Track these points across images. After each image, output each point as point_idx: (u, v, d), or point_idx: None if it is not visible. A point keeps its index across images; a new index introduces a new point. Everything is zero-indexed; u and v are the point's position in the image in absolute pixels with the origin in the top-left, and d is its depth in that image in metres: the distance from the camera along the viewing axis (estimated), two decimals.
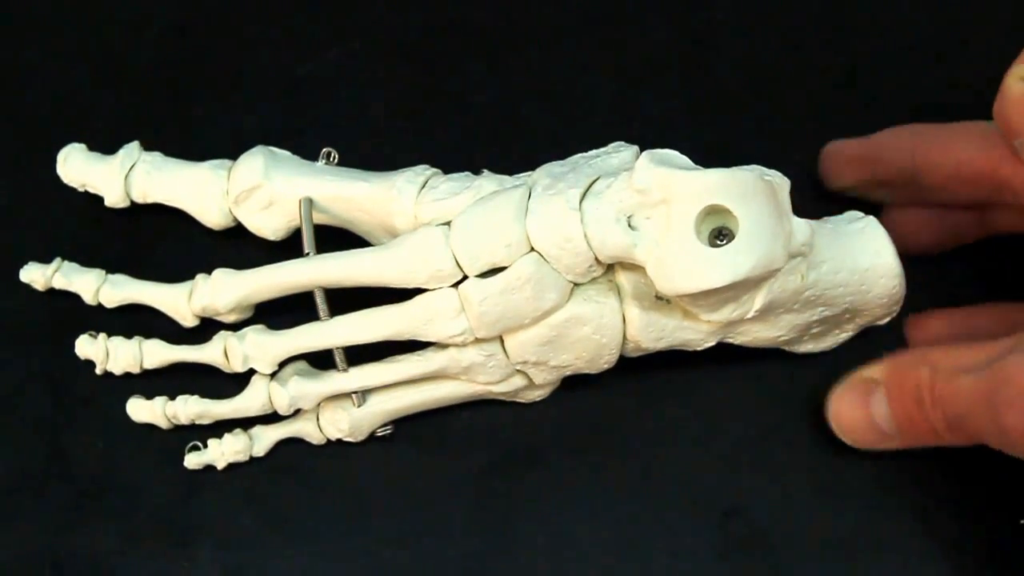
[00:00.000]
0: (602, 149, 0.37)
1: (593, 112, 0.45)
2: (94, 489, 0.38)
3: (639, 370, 0.39)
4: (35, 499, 0.38)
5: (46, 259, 0.40)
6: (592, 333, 0.35)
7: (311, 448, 0.38)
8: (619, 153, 0.36)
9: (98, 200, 0.41)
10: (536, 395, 0.38)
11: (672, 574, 0.37)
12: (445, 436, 0.39)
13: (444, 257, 0.34)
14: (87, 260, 0.40)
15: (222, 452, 0.38)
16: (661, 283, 0.33)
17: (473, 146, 0.44)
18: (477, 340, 0.36)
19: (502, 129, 0.44)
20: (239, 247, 0.41)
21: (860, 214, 0.37)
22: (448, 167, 0.39)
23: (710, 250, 0.32)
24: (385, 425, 0.38)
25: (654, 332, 0.36)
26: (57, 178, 0.41)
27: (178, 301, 0.38)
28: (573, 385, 0.39)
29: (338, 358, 0.37)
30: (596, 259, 0.34)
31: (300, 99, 0.45)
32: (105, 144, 0.42)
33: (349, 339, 0.36)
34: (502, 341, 0.36)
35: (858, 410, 0.35)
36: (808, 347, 0.39)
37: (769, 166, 0.36)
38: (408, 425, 0.39)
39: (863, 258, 0.35)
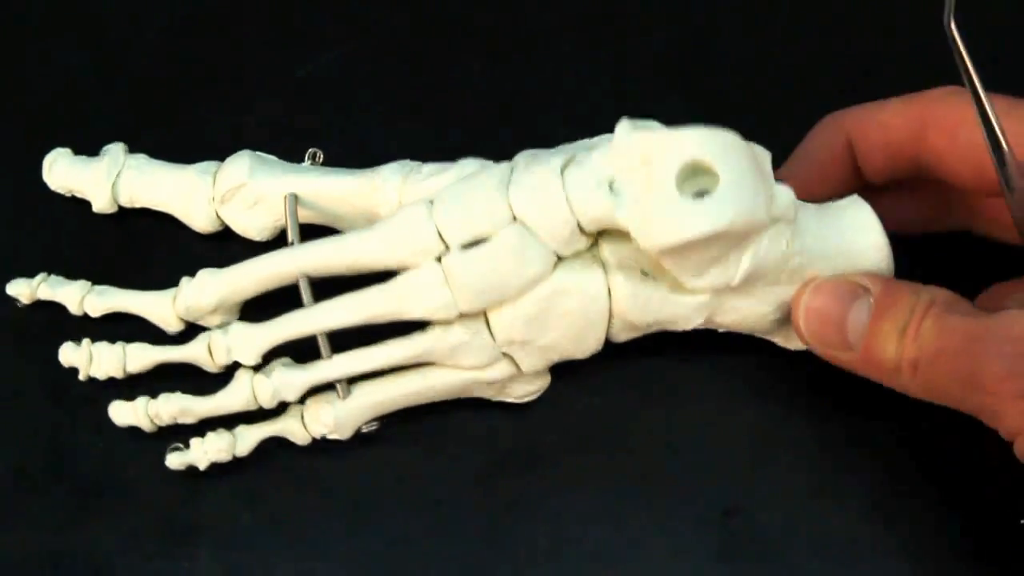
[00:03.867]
0: (585, 140, 0.37)
1: (593, 112, 0.45)
2: (94, 489, 0.38)
3: (639, 370, 0.39)
4: (35, 499, 0.38)
5: (44, 260, 0.40)
6: (577, 306, 0.35)
7: (311, 448, 0.38)
8: (601, 139, 0.37)
9: None
10: (526, 391, 0.38)
11: (672, 574, 0.37)
12: (445, 436, 0.39)
13: (427, 230, 0.35)
14: (84, 261, 0.40)
15: (204, 451, 0.37)
16: (644, 239, 0.33)
17: (473, 146, 0.44)
18: (461, 317, 0.35)
19: (502, 129, 0.44)
20: (232, 250, 0.41)
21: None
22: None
23: (692, 202, 0.32)
24: (371, 421, 0.38)
25: (640, 304, 0.35)
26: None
27: (162, 306, 0.38)
28: (573, 385, 0.39)
29: (323, 346, 0.36)
30: (579, 226, 0.34)
31: (300, 99, 0.45)
32: (105, 143, 0.42)
33: (333, 323, 0.36)
34: (487, 322, 0.36)
35: (835, 307, 0.33)
36: (799, 343, 0.38)
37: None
38: (408, 425, 0.39)
39: (849, 233, 0.35)
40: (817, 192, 0.36)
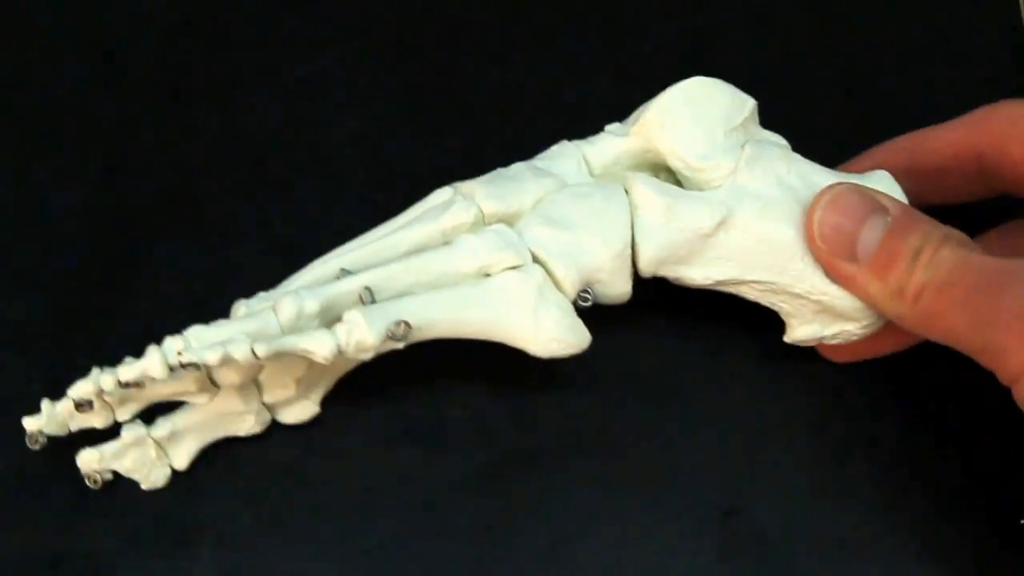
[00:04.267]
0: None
1: (593, 112, 0.45)
2: (94, 489, 0.38)
3: (639, 370, 0.39)
4: (35, 499, 0.38)
5: (45, 259, 0.40)
6: (597, 200, 0.36)
7: (311, 448, 0.38)
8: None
9: (97, 200, 0.41)
10: (562, 324, 0.35)
11: (672, 574, 0.37)
12: (445, 436, 0.39)
13: (446, 191, 0.37)
14: (86, 260, 0.40)
15: (221, 336, 0.34)
16: (639, 119, 0.37)
17: (473, 146, 0.44)
18: (485, 221, 0.36)
19: (502, 129, 0.44)
20: (235, 257, 0.41)
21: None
22: (448, 167, 0.39)
23: None
24: (400, 323, 0.34)
25: (658, 189, 0.36)
26: (56, 178, 0.41)
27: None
28: (572, 384, 0.39)
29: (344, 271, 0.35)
30: (585, 160, 0.37)
31: (300, 99, 0.45)
32: (105, 143, 0.42)
33: (375, 273, 0.35)
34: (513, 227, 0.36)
35: (849, 220, 0.33)
36: (812, 328, 0.37)
37: None
38: (408, 425, 0.39)
39: (863, 180, 0.36)
40: None
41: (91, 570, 0.37)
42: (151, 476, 0.38)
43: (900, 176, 0.36)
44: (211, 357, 0.33)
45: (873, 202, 0.33)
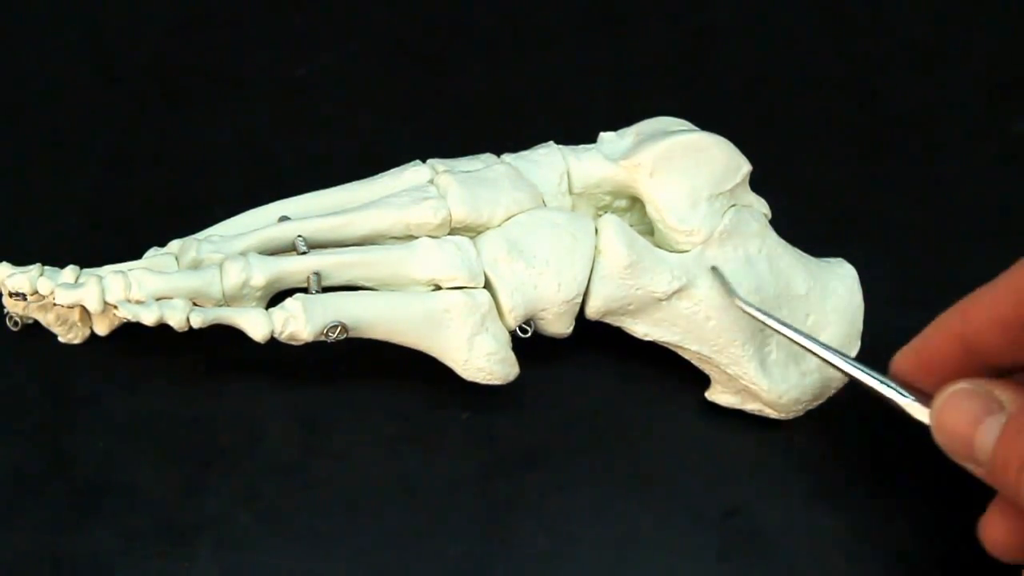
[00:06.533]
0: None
1: (593, 112, 0.45)
2: (94, 489, 0.38)
3: (639, 371, 0.39)
4: (35, 499, 0.38)
5: (45, 259, 0.40)
6: (565, 232, 0.36)
7: (311, 448, 0.38)
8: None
9: (98, 200, 0.41)
10: (493, 356, 0.36)
11: (672, 574, 0.37)
12: (445, 436, 0.39)
13: (423, 172, 0.37)
14: (87, 260, 0.40)
15: (160, 306, 0.34)
16: (636, 159, 0.37)
17: (473, 146, 0.44)
18: (452, 225, 0.36)
19: (502, 129, 0.45)
20: None
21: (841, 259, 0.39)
22: None
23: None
24: (337, 325, 0.35)
25: (627, 239, 0.36)
26: (57, 178, 0.41)
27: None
28: (572, 384, 0.39)
29: (301, 245, 0.35)
30: (568, 179, 0.37)
31: (300, 99, 0.45)
32: (105, 143, 0.42)
33: (326, 259, 0.35)
34: (475, 244, 0.36)
35: (964, 425, 0.31)
36: (733, 399, 0.39)
37: (768, 166, 0.36)
38: (408, 425, 0.39)
39: (825, 273, 0.38)
40: (930, 382, 0.33)
41: (91, 570, 0.37)
42: (68, 334, 0.38)
43: (962, 359, 0.33)
44: (147, 318, 0.34)
45: (988, 403, 0.31)
